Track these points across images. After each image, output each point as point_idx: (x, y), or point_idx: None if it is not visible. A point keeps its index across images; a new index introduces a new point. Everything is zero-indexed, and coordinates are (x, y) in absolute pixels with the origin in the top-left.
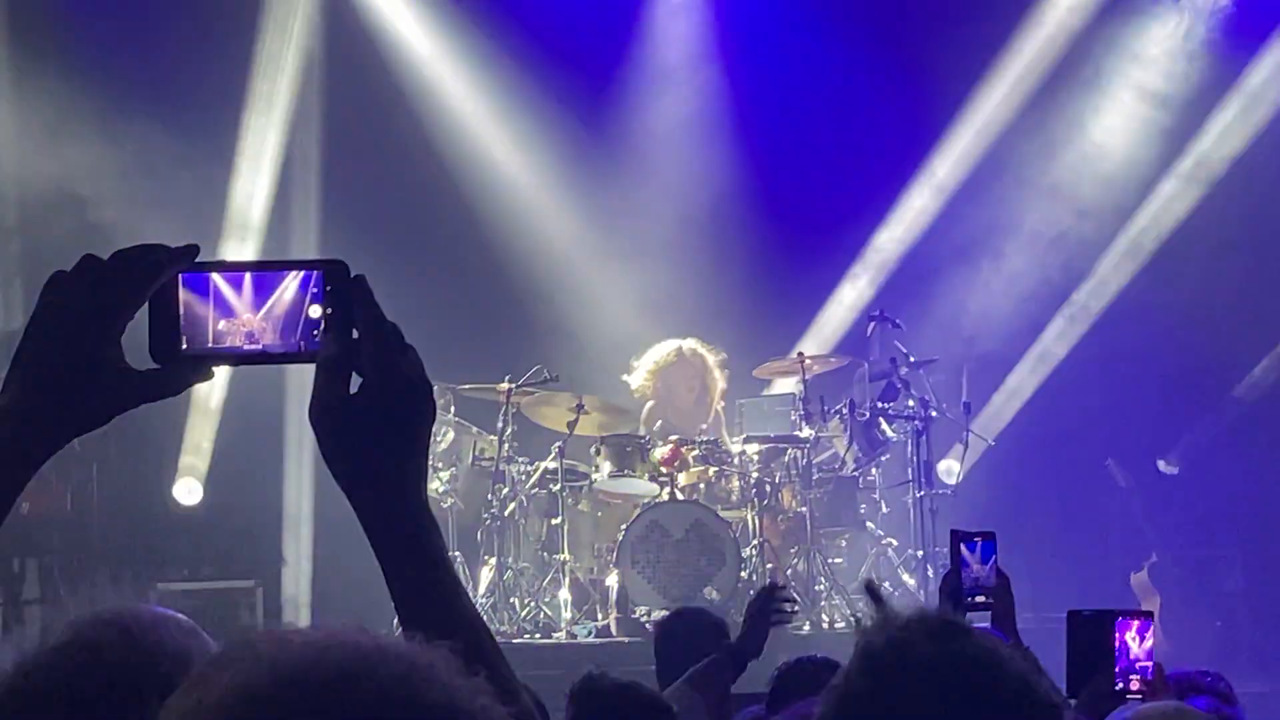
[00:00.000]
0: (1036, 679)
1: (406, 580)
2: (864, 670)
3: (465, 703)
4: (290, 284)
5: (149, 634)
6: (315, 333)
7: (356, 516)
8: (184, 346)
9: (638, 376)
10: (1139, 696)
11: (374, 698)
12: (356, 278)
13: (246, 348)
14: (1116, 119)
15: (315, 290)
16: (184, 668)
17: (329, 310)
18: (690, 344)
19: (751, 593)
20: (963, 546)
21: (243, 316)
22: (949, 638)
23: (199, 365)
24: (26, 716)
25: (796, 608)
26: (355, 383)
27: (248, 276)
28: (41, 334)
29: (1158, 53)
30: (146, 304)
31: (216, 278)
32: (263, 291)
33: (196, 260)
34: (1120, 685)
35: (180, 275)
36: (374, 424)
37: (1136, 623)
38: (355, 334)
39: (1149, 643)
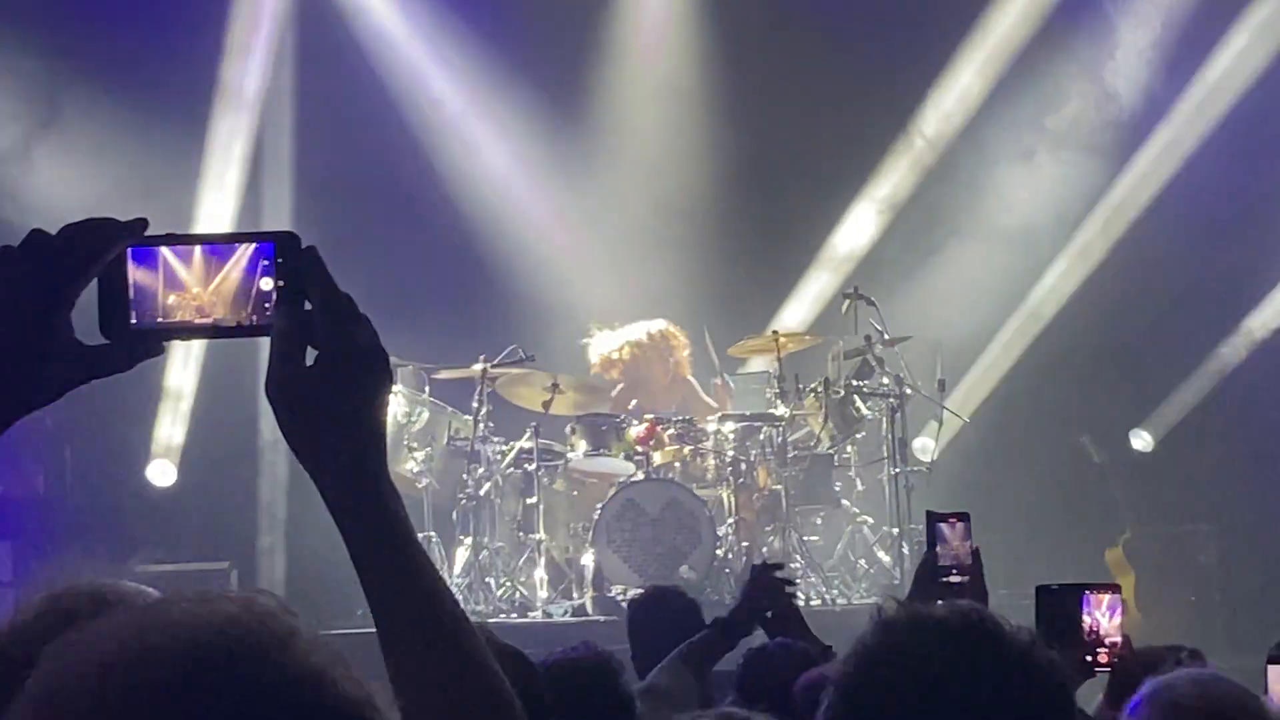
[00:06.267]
0: (1044, 651)
1: (368, 551)
2: (881, 633)
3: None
4: (241, 257)
5: (123, 603)
6: (267, 306)
7: (316, 488)
8: (134, 321)
9: (604, 357)
10: (1107, 669)
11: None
12: (308, 249)
13: (197, 322)
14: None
15: (267, 263)
16: None
17: (281, 283)
18: (660, 325)
19: (727, 571)
20: (940, 526)
21: (193, 290)
22: (959, 607)
23: (149, 340)
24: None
25: (796, 587)
26: (311, 356)
27: (198, 250)
28: None
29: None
30: (95, 279)
31: (166, 251)
32: (213, 265)
33: (145, 234)
34: (1089, 658)
35: (129, 249)
36: (330, 396)
37: (1105, 596)
38: (309, 306)
39: (1118, 617)
